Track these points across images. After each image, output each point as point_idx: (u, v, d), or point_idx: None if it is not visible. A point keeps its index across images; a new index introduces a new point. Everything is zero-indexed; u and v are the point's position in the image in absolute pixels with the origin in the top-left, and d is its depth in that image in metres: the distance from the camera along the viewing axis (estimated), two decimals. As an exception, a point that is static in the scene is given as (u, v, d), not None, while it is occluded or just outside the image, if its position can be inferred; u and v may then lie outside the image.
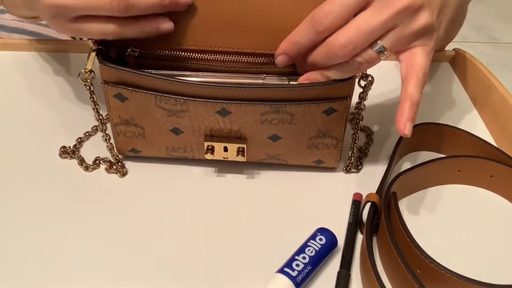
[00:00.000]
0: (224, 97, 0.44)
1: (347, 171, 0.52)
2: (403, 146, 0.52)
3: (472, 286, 0.38)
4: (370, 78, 0.45)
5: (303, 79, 0.44)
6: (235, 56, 0.45)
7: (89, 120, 0.56)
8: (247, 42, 0.45)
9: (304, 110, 0.45)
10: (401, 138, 0.51)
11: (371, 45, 0.40)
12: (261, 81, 0.46)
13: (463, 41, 1.84)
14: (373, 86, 0.63)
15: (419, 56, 0.42)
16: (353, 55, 0.40)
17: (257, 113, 0.45)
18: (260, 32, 0.44)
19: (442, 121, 0.59)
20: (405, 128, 0.41)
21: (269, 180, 0.50)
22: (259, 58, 0.45)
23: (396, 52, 0.42)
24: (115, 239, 0.44)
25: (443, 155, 0.53)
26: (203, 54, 0.46)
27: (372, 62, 0.41)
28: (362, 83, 0.46)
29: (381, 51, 0.40)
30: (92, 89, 0.46)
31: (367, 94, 0.47)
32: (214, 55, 0.46)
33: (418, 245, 0.40)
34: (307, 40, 0.41)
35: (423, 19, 0.40)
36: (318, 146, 0.48)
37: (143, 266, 0.42)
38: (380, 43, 0.40)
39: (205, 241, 0.44)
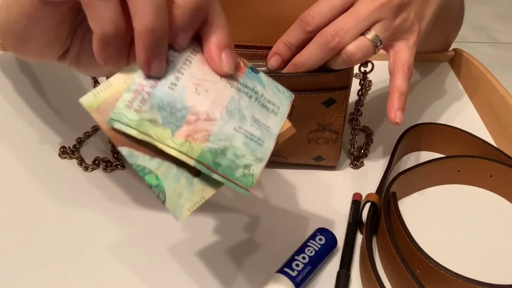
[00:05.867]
0: None
1: (352, 166, 0.52)
2: (402, 146, 0.52)
3: (472, 286, 0.38)
4: (370, 65, 0.46)
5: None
6: (235, 49, 0.46)
7: (89, 120, 0.56)
8: (248, 34, 0.45)
9: (304, 100, 0.45)
10: (400, 138, 0.52)
11: (363, 33, 0.42)
12: (263, 68, 0.46)
13: (462, 41, 1.84)
14: (372, 87, 0.64)
15: (402, 51, 0.44)
16: (345, 44, 0.41)
17: None
18: (260, 25, 0.44)
19: (442, 121, 0.59)
20: (396, 116, 0.43)
21: (269, 180, 0.50)
22: (259, 51, 0.46)
23: (383, 47, 0.44)
24: (114, 238, 0.44)
25: (443, 155, 0.53)
26: None
27: (365, 51, 0.42)
28: (363, 69, 0.46)
29: (373, 38, 0.42)
30: (96, 78, 0.47)
31: (368, 83, 0.48)
32: None
33: (418, 245, 0.40)
34: (297, 40, 0.43)
35: (403, 14, 0.43)
36: (318, 140, 0.48)
37: (141, 265, 0.42)
38: (372, 30, 0.42)
39: (204, 241, 0.44)
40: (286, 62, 0.44)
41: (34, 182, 0.49)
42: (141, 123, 0.28)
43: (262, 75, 0.33)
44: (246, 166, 0.30)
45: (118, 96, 0.29)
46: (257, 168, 0.30)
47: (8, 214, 0.46)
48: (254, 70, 0.33)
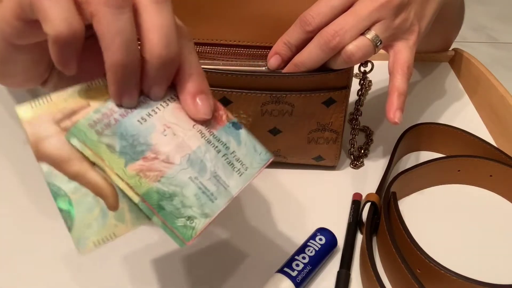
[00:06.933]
0: (225, 85, 0.44)
1: (352, 166, 0.52)
2: (402, 146, 0.52)
3: (472, 286, 0.38)
4: (370, 65, 0.46)
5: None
6: (235, 49, 0.46)
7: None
8: (248, 34, 0.45)
9: (304, 100, 0.45)
10: (400, 138, 0.52)
11: (363, 33, 0.42)
12: (263, 68, 0.46)
13: (462, 41, 1.84)
14: (372, 87, 0.64)
15: (402, 51, 0.44)
16: (345, 44, 0.41)
17: (257, 103, 0.45)
18: (260, 25, 0.44)
19: (442, 121, 0.59)
20: (395, 116, 0.43)
21: (269, 180, 0.50)
22: (259, 50, 0.46)
23: (383, 47, 0.44)
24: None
25: (443, 155, 0.53)
26: (202, 47, 0.46)
27: (365, 51, 0.42)
28: (362, 68, 0.46)
29: (373, 37, 0.42)
30: None
31: (368, 83, 0.47)
32: (214, 48, 0.46)
33: (418, 245, 0.40)
34: (297, 40, 0.43)
35: (403, 14, 0.43)
36: (318, 140, 0.48)
37: (140, 265, 0.42)
38: (372, 30, 0.42)
39: (204, 241, 0.44)
40: (286, 62, 0.44)
41: (34, 181, 0.49)
42: (98, 146, 0.28)
43: (243, 132, 0.33)
44: (190, 218, 0.29)
45: (54, 113, 0.28)
46: (200, 223, 0.29)
47: (8, 214, 0.46)
48: (236, 125, 0.33)
